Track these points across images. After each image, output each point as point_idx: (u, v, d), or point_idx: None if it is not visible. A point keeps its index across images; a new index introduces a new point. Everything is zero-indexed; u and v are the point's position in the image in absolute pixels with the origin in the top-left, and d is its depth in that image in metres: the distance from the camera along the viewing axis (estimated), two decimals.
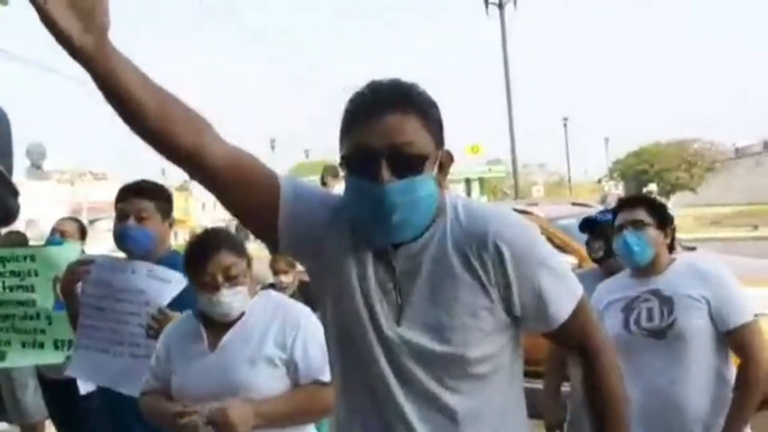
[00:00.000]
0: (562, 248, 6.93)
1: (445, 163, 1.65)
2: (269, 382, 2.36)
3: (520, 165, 22.37)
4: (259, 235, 1.70)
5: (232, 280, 2.45)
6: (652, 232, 3.03)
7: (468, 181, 30.45)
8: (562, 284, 1.67)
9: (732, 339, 2.89)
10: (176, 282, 2.91)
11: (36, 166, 13.51)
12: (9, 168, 1.42)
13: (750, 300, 2.98)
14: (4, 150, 1.41)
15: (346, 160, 1.59)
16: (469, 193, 28.48)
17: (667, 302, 2.91)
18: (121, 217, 3.08)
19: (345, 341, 1.68)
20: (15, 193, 1.41)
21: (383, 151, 1.53)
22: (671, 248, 3.11)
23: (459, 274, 1.60)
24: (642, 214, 3.06)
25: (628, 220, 3.07)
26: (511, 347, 1.69)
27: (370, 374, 1.63)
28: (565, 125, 48.25)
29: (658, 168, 48.51)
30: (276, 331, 2.41)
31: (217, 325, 2.50)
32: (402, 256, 1.62)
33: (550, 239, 6.98)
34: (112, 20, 1.31)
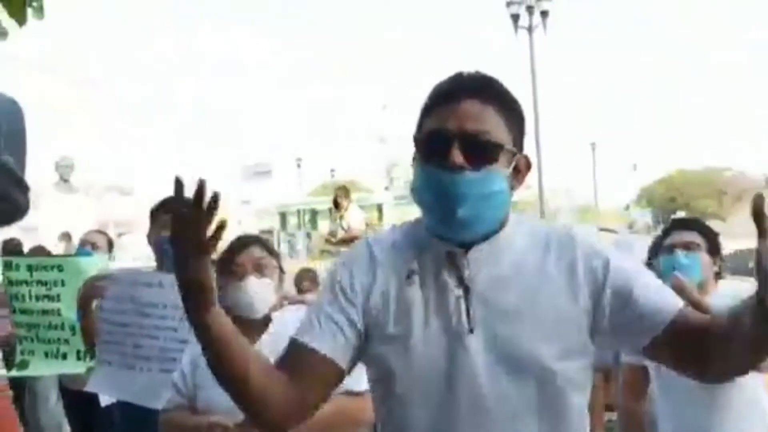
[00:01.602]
0: None
1: (522, 168, 1.59)
2: None
3: (546, 190, 22.20)
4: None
5: (260, 271, 2.49)
6: (704, 257, 2.97)
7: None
8: (664, 287, 1.60)
9: None
10: None
11: (64, 180, 13.60)
12: (21, 162, 1.42)
13: None
14: (16, 143, 1.41)
15: (419, 145, 1.55)
16: None
17: None
18: (166, 225, 3.10)
19: (416, 369, 1.54)
20: (24, 188, 1.41)
21: (457, 135, 1.48)
22: (718, 276, 3.05)
23: (538, 285, 1.53)
24: (696, 237, 2.99)
25: (681, 242, 2.99)
26: (588, 373, 1.60)
27: (442, 393, 1.52)
28: (593, 150, 47.92)
29: (687, 196, 48.10)
30: None
31: (245, 334, 2.51)
32: (472, 261, 1.53)
33: None
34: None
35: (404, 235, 1.63)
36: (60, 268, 3.82)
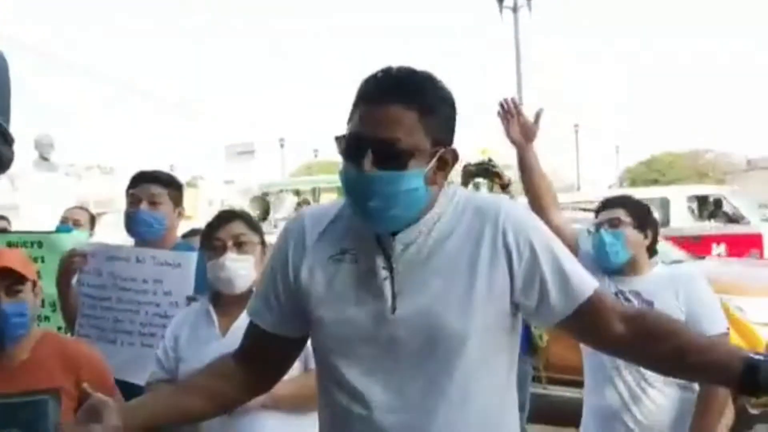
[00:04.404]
0: None
1: (449, 160, 1.65)
2: None
3: None
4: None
5: (240, 247, 2.48)
6: (630, 232, 2.99)
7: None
8: (581, 268, 1.69)
9: None
10: (186, 263, 2.91)
11: (44, 158, 13.41)
12: (6, 115, 1.41)
13: (722, 313, 2.97)
14: (1, 96, 1.39)
15: (340, 143, 1.62)
16: None
17: (648, 306, 2.88)
18: (134, 202, 3.09)
19: (342, 345, 1.66)
20: (9, 141, 1.39)
21: (370, 143, 1.56)
22: (651, 250, 3.08)
23: (460, 257, 1.61)
24: (621, 213, 3.04)
25: (606, 219, 3.04)
26: (508, 336, 1.69)
27: (367, 369, 1.63)
28: (576, 132, 48.09)
29: (669, 177, 48.34)
30: None
31: (228, 308, 2.52)
32: (399, 242, 1.63)
33: None
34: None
35: (342, 212, 1.74)
36: (39, 245, 3.79)
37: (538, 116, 3.17)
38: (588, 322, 1.66)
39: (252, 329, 1.84)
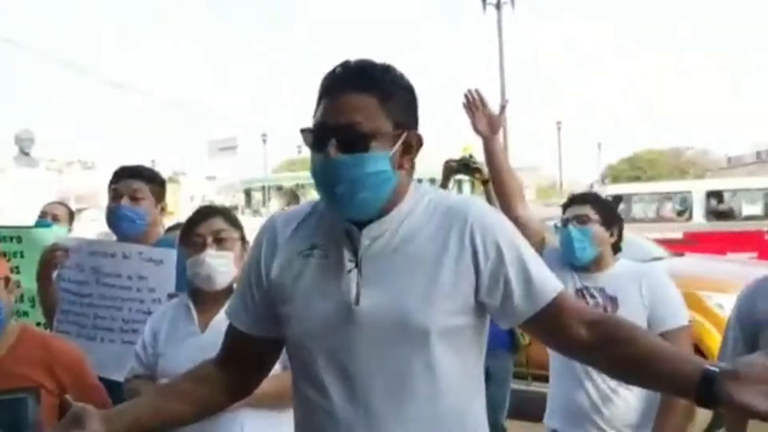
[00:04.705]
0: None
1: (413, 143, 1.68)
2: None
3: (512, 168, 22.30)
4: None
5: (220, 243, 2.48)
6: (597, 229, 3.03)
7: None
8: (546, 270, 1.70)
9: (665, 341, 2.88)
10: (168, 259, 2.90)
11: (24, 153, 13.28)
12: None
13: (684, 306, 2.98)
14: None
15: (307, 137, 1.65)
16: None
17: (612, 302, 2.92)
18: (116, 197, 3.06)
19: (309, 339, 1.68)
20: None
21: (332, 130, 1.60)
22: (616, 248, 3.11)
23: (427, 253, 1.63)
24: (588, 210, 3.07)
25: (573, 215, 3.07)
26: (473, 334, 1.69)
27: (332, 361, 1.64)
28: (558, 129, 48.36)
29: (650, 174, 48.68)
30: None
31: (207, 304, 2.51)
32: (366, 236, 1.65)
33: None
34: None
35: (314, 210, 1.77)
36: (19, 240, 3.76)
37: (503, 108, 3.20)
38: (551, 324, 1.66)
39: (230, 331, 1.86)
